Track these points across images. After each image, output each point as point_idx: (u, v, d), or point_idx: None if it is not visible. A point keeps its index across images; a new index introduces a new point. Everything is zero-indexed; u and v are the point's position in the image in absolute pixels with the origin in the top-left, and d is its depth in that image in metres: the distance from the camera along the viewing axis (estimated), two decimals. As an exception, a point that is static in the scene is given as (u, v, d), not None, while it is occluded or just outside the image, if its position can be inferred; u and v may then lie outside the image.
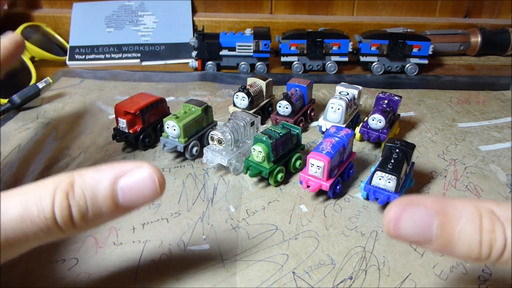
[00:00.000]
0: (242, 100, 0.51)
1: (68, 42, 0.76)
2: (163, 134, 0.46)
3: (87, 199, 0.23)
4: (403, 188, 0.38)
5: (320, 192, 0.40)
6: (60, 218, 0.22)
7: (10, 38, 0.37)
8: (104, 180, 0.23)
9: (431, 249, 0.22)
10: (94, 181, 0.23)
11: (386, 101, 0.49)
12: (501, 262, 0.21)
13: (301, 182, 0.40)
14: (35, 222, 0.22)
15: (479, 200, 0.21)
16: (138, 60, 0.76)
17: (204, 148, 0.44)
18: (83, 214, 0.23)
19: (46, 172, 0.44)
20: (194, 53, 0.71)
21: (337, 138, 0.40)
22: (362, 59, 0.72)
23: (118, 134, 0.47)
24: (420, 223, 0.21)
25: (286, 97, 0.50)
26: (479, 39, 0.77)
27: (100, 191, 0.23)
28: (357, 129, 0.49)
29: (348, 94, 0.49)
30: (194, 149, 0.46)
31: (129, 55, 0.76)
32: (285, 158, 0.42)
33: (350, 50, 0.70)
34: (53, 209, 0.22)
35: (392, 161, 0.37)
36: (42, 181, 0.23)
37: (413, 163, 0.42)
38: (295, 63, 0.71)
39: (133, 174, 0.24)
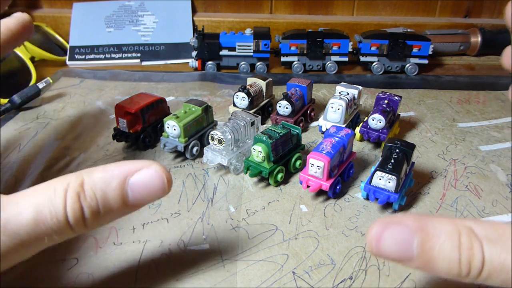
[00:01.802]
0: (242, 100, 0.51)
1: (68, 42, 0.76)
2: (163, 134, 0.46)
3: (98, 199, 0.23)
4: (403, 188, 0.38)
5: (320, 192, 0.40)
6: (72, 219, 0.23)
7: (16, 17, 0.36)
8: (114, 180, 0.24)
9: (412, 267, 0.22)
10: (104, 181, 0.23)
11: (386, 101, 0.49)
12: (481, 279, 0.21)
13: (301, 182, 0.40)
14: (48, 225, 0.22)
15: (458, 218, 0.22)
16: (138, 60, 0.76)
17: (204, 148, 0.44)
18: (94, 213, 0.23)
19: (46, 172, 0.44)
20: (194, 53, 0.71)
21: (337, 138, 0.40)
22: (362, 59, 0.72)
23: (118, 134, 0.47)
24: (401, 241, 0.22)
25: (286, 97, 0.50)
26: (479, 39, 0.77)
27: (110, 190, 0.23)
28: (357, 129, 0.49)
29: (348, 94, 0.49)
30: (194, 149, 0.46)
31: (129, 55, 0.76)
32: (285, 158, 0.42)
33: (350, 50, 0.70)
34: (65, 211, 0.22)
35: (392, 161, 0.37)
36: (51, 182, 0.23)
37: (413, 163, 0.42)
38: (295, 63, 0.71)
39: (142, 172, 0.24)
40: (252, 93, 0.52)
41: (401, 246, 0.22)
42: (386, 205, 0.39)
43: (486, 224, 0.22)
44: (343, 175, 0.42)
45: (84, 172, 0.24)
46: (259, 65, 0.71)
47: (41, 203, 0.22)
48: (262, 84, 0.54)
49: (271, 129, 0.42)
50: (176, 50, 0.77)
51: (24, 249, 0.23)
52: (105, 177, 0.24)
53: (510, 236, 0.21)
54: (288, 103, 0.50)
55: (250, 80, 0.54)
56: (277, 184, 0.42)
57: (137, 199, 0.24)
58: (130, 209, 0.25)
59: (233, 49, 0.70)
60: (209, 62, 0.71)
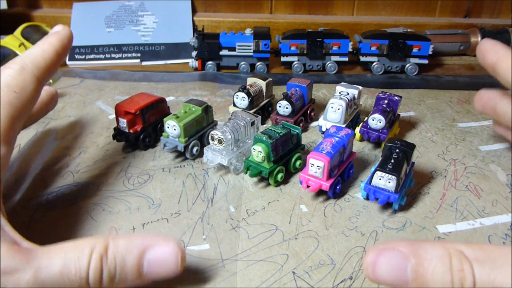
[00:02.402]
0: (242, 100, 0.51)
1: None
2: (163, 134, 0.46)
3: (117, 265, 0.25)
4: (403, 188, 0.38)
5: (320, 192, 0.40)
6: (92, 279, 0.24)
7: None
8: (134, 250, 0.26)
9: None
10: (126, 249, 0.26)
11: (386, 101, 0.49)
12: None
13: (301, 182, 0.40)
14: (72, 280, 0.24)
15: (448, 241, 0.23)
16: (138, 60, 0.76)
17: (205, 148, 0.44)
18: (111, 278, 0.25)
19: (46, 172, 0.44)
20: (194, 53, 0.71)
21: (337, 138, 0.40)
22: (362, 59, 0.72)
23: (118, 134, 0.47)
24: (395, 266, 0.23)
25: (286, 97, 0.50)
26: (479, 39, 0.77)
27: (129, 260, 0.25)
28: (357, 129, 0.49)
29: (348, 94, 0.49)
30: (195, 149, 0.46)
31: (129, 55, 0.76)
32: (285, 158, 0.42)
33: (350, 50, 0.70)
34: (88, 270, 0.24)
35: (392, 161, 0.37)
36: (81, 240, 0.26)
37: (413, 163, 0.42)
38: (295, 63, 0.71)
39: (160, 248, 0.26)
40: (252, 93, 0.52)
41: (395, 271, 0.23)
42: (386, 205, 0.39)
43: (475, 246, 0.23)
44: (343, 175, 0.42)
45: (111, 237, 0.26)
46: (259, 65, 0.71)
47: (69, 259, 0.24)
48: (262, 84, 0.54)
49: (271, 129, 0.42)
50: (176, 50, 0.77)
51: None
52: (128, 245, 0.26)
53: (498, 256, 0.22)
54: (288, 103, 0.50)
55: (250, 80, 0.54)
56: (277, 184, 0.42)
57: (151, 273, 0.26)
58: (142, 281, 0.26)
59: (233, 49, 0.70)
60: (209, 62, 0.71)
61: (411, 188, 0.42)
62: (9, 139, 0.30)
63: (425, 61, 0.70)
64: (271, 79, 0.55)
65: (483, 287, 0.22)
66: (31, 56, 0.33)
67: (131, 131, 0.47)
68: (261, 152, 0.40)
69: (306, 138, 0.51)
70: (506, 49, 0.36)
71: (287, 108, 0.50)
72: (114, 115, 0.49)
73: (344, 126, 0.48)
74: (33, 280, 0.24)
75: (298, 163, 0.44)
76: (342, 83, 0.52)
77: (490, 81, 0.69)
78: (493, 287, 0.22)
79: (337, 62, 0.71)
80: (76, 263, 0.24)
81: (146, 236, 0.27)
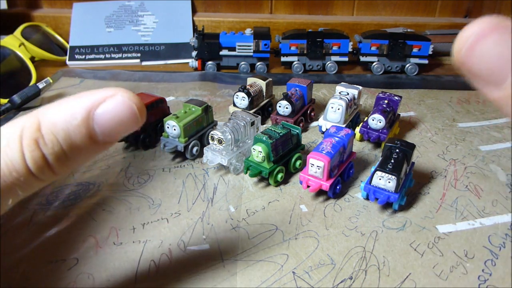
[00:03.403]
0: (242, 100, 0.51)
1: (68, 42, 0.76)
2: (163, 134, 0.46)
3: (61, 142, 0.20)
4: (403, 188, 0.38)
5: (320, 192, 0.40)
6: (35, 169, 0.20)
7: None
8: (76, 117, 0.20)
9: (493, 95, 0.18)
10: (64, 120, 0.20)
11: (386, 101, 0.49)
12: None
13: (301, 182, 0.40)
14: (8, 180, 0.20)
15: None
16: (138, 60, 0.76)
17: (204, 148, 0.44)
18: (60, 158, 0.20)
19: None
20: (194, 53, 0.71)
21: (337, 138, 0.40)
22: (362, 59, 0.72)
23: (118, 134, 0.47)
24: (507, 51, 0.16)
25: (286, 97, 0.50)
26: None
27: (74, 130, 0.20)
28: (357, 129, 0.49)
29: (348, 94, 0.49)
30: (194, 149, 0.46)
31: (129, 55, 0.76)
32: (285, 158, 0.42)
33: (350, 50, 0.70)
34: (24, 162, 0.20)
35: (392, 161, 0.37)
36: (3, 129, 0.20)
37: (413, 163, 0.42)
38: (295, 63, 0.71)
39: (107, 103, 0.21)
40: (252, 93, 0.52)
41: (502, 58, 0.17)
42: (386, 205, 0.39)
43: None
44: (343, 175, 0.42)
45: (39, 112, 0.21)
46: (259, 65, 0.71)
47: None
48: (262, 84, 0.54)
49: (271, 129, 0.42)
50: (176, 50, 0.77)
51: None
52: (65, 115, 0.20)
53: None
54: (288, 103, 0.50)
55: (250, 80, 0.54)
56: (277, 184, 0.42)
57: (107, 134, 0.21)
58: (101, 146, 0.22)
59: (233, 49, 0.70)
60: (209, 62, 0.71)
61: (411, 188, 0.42)
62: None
63: (425, 61, 0.70)
64: (271, 79, 0.55)
65: None
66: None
67: (131, 131, 0.47)
68: (261, 152, 0.40)
69: (306, 138, 0.51)
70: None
71: (287, 108, 0.50)
72: (114, 115, 0.49)
73: (344, 126, 0.48)
74: None
75: (298, 163, 0.44)
76: (342, 83, 0.52)
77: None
78: None
79: (337, 62, 0.71)
80: (5, 160, 0.19)
81: (84, 95, 0.21)
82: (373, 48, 0.70)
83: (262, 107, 0.54)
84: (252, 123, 0.45)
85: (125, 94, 0.21)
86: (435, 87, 0.66)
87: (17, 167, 0.20)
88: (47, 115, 0.20)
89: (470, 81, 0.18)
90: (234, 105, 0.52)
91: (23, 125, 0.20)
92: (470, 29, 0.17)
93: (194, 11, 0.83)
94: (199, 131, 0.47)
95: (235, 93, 0.52)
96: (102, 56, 0.75)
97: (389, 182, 0.36)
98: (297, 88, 0.52)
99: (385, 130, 0.47)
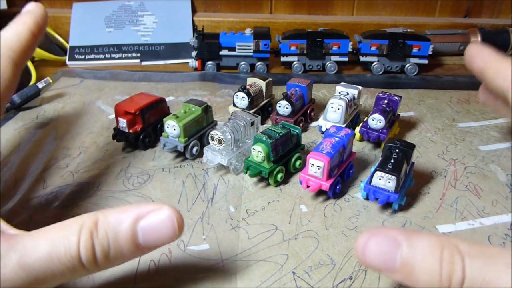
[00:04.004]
0: (242, 100, 0.51)
1: (68, 42, 0.76)
2: (163, 134, 0.46)
3: (110, 239, 0.24)
4: (403, 188, 0.38)
5: (320, 192, 0.40)
6: (84, 257, 0.23)
7: (32, 13, 0.33)
8: (126, 221, 0.24)
9: (395, 279, 0.23)
10: (117, 222, 0.24)
11: (386, 101, 0.49)
12: None
13: (301, 182, 0.40)
14: (62, 261, 0.23)
15: (443, 235, 0.23)
16: (138, 60, 0.76)
17: (204, 148, 0.44)
18: (105, 253, 0.24)
19: (46, 172, 0.44)
20: (194, 53, 0.71)
21: (337, 138, 0.40)
22: (362, 59, 0.72)
23: (118, 134, 0.47)
24: (385, 250, 0.22)
25: (286, 97, 0.50)
26: (479, 39, 0.77)
27: (122, 232, 0.24)
28: (357, 129, 0.49)
29: (348, 94, 0.49)
30: (194, 149, 0.46)
31: (129, 55, 0.76)
32: (285, 158, 0.42)
33: (350, 50, 0.70)
34: (78, 248, 0.23)
35: (392, 161, 0.37)
36: (68, 220, 0.24)
37: (413, 163, 0.42)
38: (295, 63, 0.71)
39: (153, 215, 0.24)
40: (252, 93, 0.52)
41: (384, 255, 0.22)
42: (386, 205, 0.39)
43: (472, 242, 0.23)
44: (343, 175, 0.42)
45: (100, 212, 0.24)
46: (259, 65, 0.71)
47: (57, 239, 0.23)
48: (262, 84, 0.54)
49: (271, 129, 0.42)
50: (176, 50, 0.77)
51: (38, 284, 0.23)
52: (118, 218, 0.24)
53: (493, 253, 0.22)
54: (288, 103, 0.50)
55: (250, 80, 0.54)
56: (277, 184, 0.42)
57: (148, 241, 0.24)
58: (141, 251, 0.25)
59: (233, 49, 0.70)
60: (209, 62, 0.71)
61: (411, 188, 0.42)
62: None
63: (425, 61, 0.70)
64: (271, 79, 0.55)
65: (472, 283, 0.21)
66: (5, 39, 0.30)
67: (131, 131, 0.47)
68: (261, 152, 0.40)
69: (306, 138, 0.51)
70: (493, 54, 0.36)
71: (287, 108, 0.50)
72: (114, 115, 0.49)
73: (344, 126, 0.48)
74: (18, 265, 0.22)
75: (298, 163, 0.44)
76: (342, 83, 0.52)
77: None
78: (484, 285, 0.21)
79: (337, 62, 0.71)
80: (65, 242, 0.23)
81: (138, 205, 0.25)
82: (373, 48, 0.70)
83: (262, 107, 0.54)
84: (252, 123, 0.45)
85: (170, 210, 0.25)
86: (435, 87, 0.66)
87: (72, 250, 0.23)
88: (105, 215, 0.24)
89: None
90: (234, 105, 0.52)
91: (85, 218, 0.24)
92: (359, 239, 0.23)
93: (194, 11, 0.83)
94: (199, 131, 0.47)
95: (235, 93, 0.52)
96: (102, 56, 0.75)
97: (389, 182, 0.36)
98: (297, 88, 0.52)
99: (385, 130, 0.47)
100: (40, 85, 0.59)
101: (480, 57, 0.36)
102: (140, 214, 0.24)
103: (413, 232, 0.23)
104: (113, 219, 0.24)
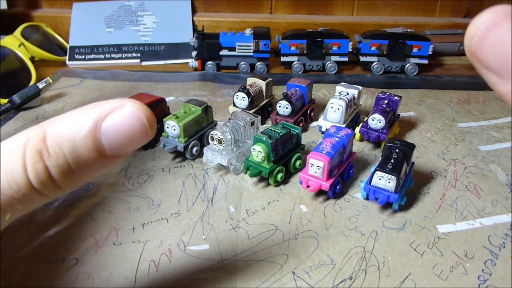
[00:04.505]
0: (242, 100, 0.51)
1: (68, 42, 0.76)
2: (163, 134, 0.46)
3: (66, 154, 0.19)
4: (403, 188, 0.38)
5: (320, 192, 0.40)
6: (37, 183, 0.19)
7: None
8: (82, 128, 0.19)
9: (506, 91, 0.17)
10: (71, 131, 0.19)
11: (386, 101, 0.49)
12: None
13: (301, 182, 0.40)
14: (8, 194, 0.19)
15: None
16: (138, 60, 0.76)
17: (204, 148, 0.44)
18: (65, 172, 0.19)
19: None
20: (194, 53, 0.71)
21: (337, 138, 0.40)
22: (362, 59, 0.72)
23: (118, 134, 0.47)
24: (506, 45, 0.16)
25: (286, 97, 0.50)
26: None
27: (81, 142, 0.19)
28: (357, 129, 0.49)
29: (348, 94, 0.49)
30: (194, 149, 0.46)
31: (129, 55, 0.76)
32: (285, 158, 0.42)
33: (350, 50, 0.70)
34: (26, 174, 0.18)
35: (392, 161, 0.37)
36: (8, 140, 0.19)
37: (413, 163, 0.42)
38: (295, 63, 0.71)
39: (115, 114, 0.19)
40: (252, 93, 0.52)
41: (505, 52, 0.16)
42: (386, 205, 0.39)
43: None
44: (343, 175, 0.42)
45: (45, 123, 0.19)
46: (259, 65, 0.71)
47: None
48: (262, 84, 0.54)
49: (271, 129, 0.42)
50: (176, 50, 0.77)
51: None
52: (72, 126, 0.19)
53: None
54: (288, 103, 0.50)
55: (250, 80, 0.54)
56: (277, 184, 0.42)
57: (115, 147, 0.20)
58: (110, 160, 0.20)
59: (233, 49, 0.70)
60: (209, 62, 0.71)
61: (411, 188, 0.42)
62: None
63: (425, 61, 0.70)
64: (271, 79, 0.55)
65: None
66: None
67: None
68: (261, 152, 0.40)
69: (306, 138, 0.51)
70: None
71: (287, 108, 0.50)
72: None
73: (344, 126, 0.48)
74: None
75: (298, 163, 0.44)
76: (342, 83, 0.52)
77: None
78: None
79: (337, 62, 0.71)
80: (6, 172, 0.18)
81: (92, 106, 0.20)
82: (373, 48, 0.70)
83: (262, 107, 0.54)
84: (252, 123, 0.45)
85: (134, 105, 0.20)
86: (435, 87, 0.66)
87: (17, 180, 0.18)
88: (54, 126, 0.19)
89: (480, 73, 0.17)
90: (234, 105, 0.52)
91: (27, 136, 0.19)
92: (482, 16, 0.16)
93: (194, 11, 0.83)
94: (199, 131, 0.47)
95: (235, 93, 0.52)
96: (102, 56, 0.75)
97: (389, 182, 0.36)
98: (297, 88, 0.52)
99: (385, 130, 0.47)
100: (40, 85, 0.59)
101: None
102: (99, 115, 0.19)
103: None
104: (66, 129, 0.19)
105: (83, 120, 0.19)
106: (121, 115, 0.19)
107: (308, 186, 0.39)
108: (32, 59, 0.70)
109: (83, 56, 0.75)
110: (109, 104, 0.20)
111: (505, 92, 0.17)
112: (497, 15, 0.16)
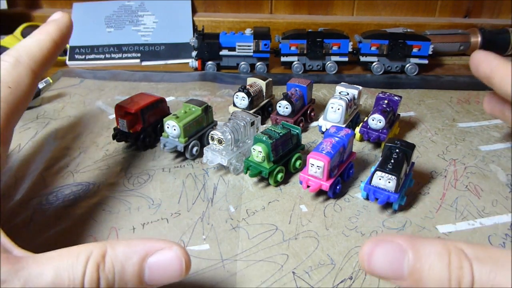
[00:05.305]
0: (242, 100, 0.51)
1: (68, 42, 0.76)
2: (163, 134, 0.46)
3: (116, 273, 0.23)
4: (403, 188, 0.38)
5: (320, 192, 0.40)
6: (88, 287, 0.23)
7: (57, 23, 0.34)
8: (134, 257, 0.24)
9: (403, 286, 0.23)
10: (125, 256, 0.24)
11: (386, 101, 0.49)
12: None
13: (301, 182, 0.40)
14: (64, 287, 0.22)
15: (449, 240, 0.22)
16: (138, 60, 0.76)
17: (204, 148, 0.44)
18: (109, 285, 0.23)
19: (46, 172, 0.44)
20: (194, 53, 0.71)
21: (337, 138, 0.40)
22: (362, 59, 0.72)
23: (118, 134, 0.47)
24: (392, 258, 0.22)
25: (286, 97, 0.50)
26: (479, 39, 0.77)
27: (129, 267, 0.24)
28: (357, 129, 0.49)
29: (348, 94, 0.49)
30: (194, 149, 0.46)
31: (129, 55, 0.76)
32: (285, 158, 0.42)
33: (350, 50, 0.70)
34: (83, 279, 0.23)
35: (392, 161, 0.37)
36: (76, 247, 0.24)
37: (413, 163, 0.42)
38: (295, 63, 0.71)
39: (162, 253, 0.24)
40: (252, 93, 0.52)
41: (392, 264, 0.22)
42: (386, 205, 0.39)
43: (476, 245, 0.23)
44: (343, 175, 0.42)
45: (108, 243, 0.24)
46: (259, 65, 0.71)
47: (62, 267, 0.23)
48: (262, 84, 0.54)
49: (271, 129, 0.42)
50: (176, 50, 0.77)
51: None
52: (127, 252, 0.24)
53: (499, 257, 0.22)
54: (288, 103, 0.50)
55: (250, 80, 0.54)
56: (277, 184, 0.42)
57: (153, 279, 0.24)
58: (144, 286, 0.25)
59: (233, 49, 0.70)
60: (209, 62, 0.71)
61: (411, 188, 0.42)
62: (5, 139, 0.28)
63: (425, 61, 0.70)
64: (271, 79, 0.55)
65: (481, 287, 0.21)
66: (26, 47, 0.30)
67: (131, 131, 0.47)
68: (261, 152, 0.40)
69: (306, 138, 0.51)
70: (499, 59, 0.36)
71: (287, 108, 0.50)
72: (114, 115, 0.49)
73: (344, 126, 0.48)
74: None
75: (298, 163, 0.44)
76: (342, 83, 0.52)
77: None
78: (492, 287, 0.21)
79: (337, 62, 0.71)
80: (69, 272, 0.22)
81: (147, 241, 0.25)
82: (373, 48, 0.70)
83: (262, 107, 0.54)
84: (252, 123, 0.45)
85: (179, 250, 0.24)
86: (435, 87, 0.66)
87: (76, 281, 0.22)
88: (114, 246, 0.24)
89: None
90: (234, 105, 0.52)
91: (93, 248, 0.24)
92: (364, 247, 0.23)
93: (194, 11, 0.83)
94: (199, 131, 0.47)
95: (235, 93, 0.52)
96: (102, 56, 0.75)
97: (389, 182, 0.36)
98: (297, 88, 0.52)
99: (385, 130, 0.47)
100: (41, 85, 0.59)
101: (486, 63, 0.37)
102: (149, 250, 0.24)
103: (418, 238, 0.23)
104: (122, 253, 0.24)
105: (135, 250, 0.24)
106: (167, 255, 0.24)
107: (308, 186, 0.39)
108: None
109: (83, 56, 0.75)
110: (161, 243, 0.25)
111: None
112: (373, 242, 0.23)
